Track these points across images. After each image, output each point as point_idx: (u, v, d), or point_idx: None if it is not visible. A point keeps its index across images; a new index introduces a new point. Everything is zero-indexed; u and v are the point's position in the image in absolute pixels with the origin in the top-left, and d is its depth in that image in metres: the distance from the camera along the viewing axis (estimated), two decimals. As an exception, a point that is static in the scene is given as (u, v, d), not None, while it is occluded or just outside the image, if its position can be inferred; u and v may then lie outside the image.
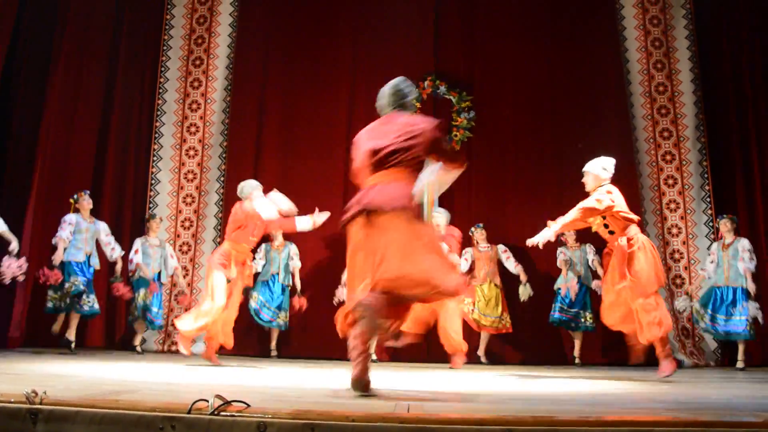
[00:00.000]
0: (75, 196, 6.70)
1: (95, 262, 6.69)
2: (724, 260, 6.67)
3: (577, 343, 7.05)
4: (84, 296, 6.44)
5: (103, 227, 6.79)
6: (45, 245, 6.85)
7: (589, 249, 7.09)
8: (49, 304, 6.43)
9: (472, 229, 7.26)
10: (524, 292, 7.08)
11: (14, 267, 6.15)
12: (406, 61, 8.04)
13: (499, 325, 7.05)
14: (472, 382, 4.52)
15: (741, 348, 6.55)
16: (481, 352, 7.14)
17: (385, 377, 4.81)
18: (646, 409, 2.78)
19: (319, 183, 7.59)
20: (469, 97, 7.91)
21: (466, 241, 7.29)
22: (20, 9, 7.17)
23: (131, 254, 7.02)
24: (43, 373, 3.91)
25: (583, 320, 6.96)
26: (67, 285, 6.39)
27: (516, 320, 7.20)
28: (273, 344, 7.16)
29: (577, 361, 6.99)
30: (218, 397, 2.06)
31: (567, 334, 7.18)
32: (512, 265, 7.20)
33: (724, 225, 6.76)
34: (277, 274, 7.17)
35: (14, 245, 6.20)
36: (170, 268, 7.25)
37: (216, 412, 2.00)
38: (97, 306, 6.61)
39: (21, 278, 6.25)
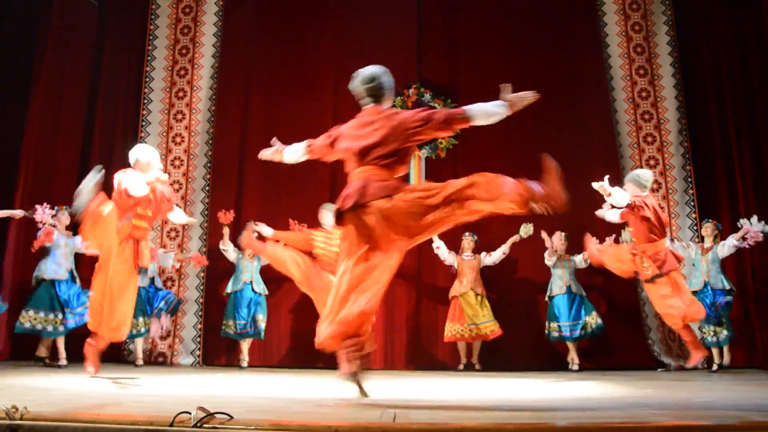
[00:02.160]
0: (56, 209, 6.63)
1: (75, 276, 6.62)
2: (702, 264, 6.74)
3: (574, 349, 7.04)
4: (66, 315, 6.36)
5: (78, 240, 6.70)
6: (30, 257, 6.78)
7: (577, 257, 7.11)
8: (27, 324, 6.28)
9: (466, 234, 7.27)
10: (525, 229, 7.05)
11: (46, 214, 6.32)
12: (390, 69, 8.02)
13: (488, 331, 7.03)
14: (462, 389, 4.52)
15: (716, 351, 6.61)
16: (474, 358, 7.15)
17: (376, 385, 4.80)
18: (631, 413, 2.79)
19: (305, 189, 7.59)
20: (453, 105, 7.93)
21: (456, 248, 7.34)
22: (1, 21, 7.14)
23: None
24: (25, 387, 3.87)
25: (581, 330, 6.94)
26: (51, 317, 6.32)
27: (509, 326, 7.22)
28: (245, 354, 7.10)
29: (575, 367, 6.95)
30: (201, 409, 2.05)
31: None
32: (498, 255, 7.22)
33: (706, 229, 6.84)
34: (250, 282, 7.12)
35: (18, 211, 6.26)
36: (170, 259, 7.18)
37: (199, 425, 1.99)
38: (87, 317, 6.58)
39: (53, 221, 6.42)
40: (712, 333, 6.60)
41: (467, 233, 7.26)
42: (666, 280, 5.68)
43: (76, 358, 6.93)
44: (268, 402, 3.23)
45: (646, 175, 6.00)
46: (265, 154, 4.09)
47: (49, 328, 6.29)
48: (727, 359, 6.63)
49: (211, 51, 8.23)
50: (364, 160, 3.42)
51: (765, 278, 7.15)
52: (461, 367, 7.14)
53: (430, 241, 7.30)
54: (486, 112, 3.62)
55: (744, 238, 6.58)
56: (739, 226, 6.66)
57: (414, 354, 7.45)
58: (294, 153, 3.94)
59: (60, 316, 6.32)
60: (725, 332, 6.56)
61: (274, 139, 4.03)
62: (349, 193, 3.36)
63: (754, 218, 6.57)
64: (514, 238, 7.12)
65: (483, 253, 7.27)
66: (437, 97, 7.96)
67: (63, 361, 6.32)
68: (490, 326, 7.02)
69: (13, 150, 7.25)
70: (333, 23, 8.26)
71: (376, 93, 3.64)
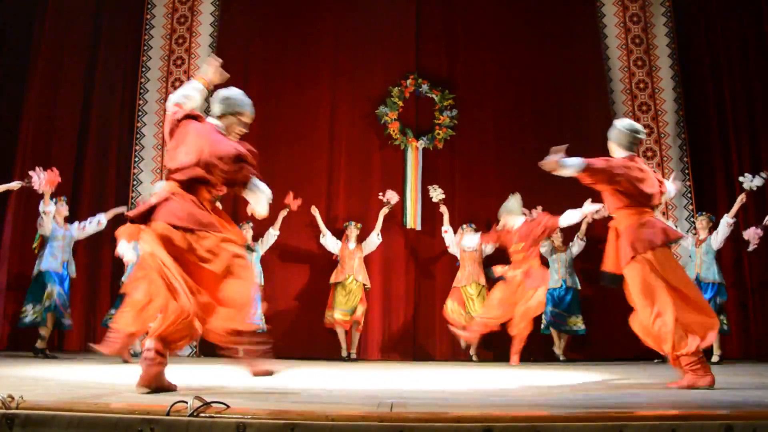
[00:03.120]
0: (54, 200, 6.59)
1: (72, 270, 6.56)
2: (696, 256, 6.78)
3: (563, 341, 7.09)
4: (62, 309, 6.33)
5: (74, 227, 6.65)
6: (25, 250, 6.78)
7: (575, 245, 7.17)
8: (27, 318, 6.28)
9: (463, 226, 7.29)
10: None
11: (42, 178, 6.15)
12: (389, 60, 8.06)
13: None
14: (459, 380, 4.53)
15: (716, 342, 6.63)
16: (472, 350, 7.16)
17: (374, 375, 4.81)
18: (627, 403, 2.80)
19: (303, 181, 7.58)
20: (451, 96, 7.93)
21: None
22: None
23: (119, 248, 6.88)
24: (23, 377, 3.87)
25: (573, 325, 6.99)
26: (44, 295, 6.28)
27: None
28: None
29: (561, 358, 7.01)
30: (197, 398, 2.05)
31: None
32: (475, 240, 7.20)
33: (701, 222, 6.90)
34: None
35: (15, 183, 6.26)
36: None
37: (195, 414, 1.99)
38: (69, 321, 6.53)
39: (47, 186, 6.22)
40: None
41: (464, 224, 7.26)
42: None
43: (72, 350, 7.01)
44: (265, 392, 3.23)
45: None
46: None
47: (38, 319, 6.28)
48: (716, 351, 6.63)
49: (207, 41, 8.19)
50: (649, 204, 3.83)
51: (761, 271, 7.17)
52: (474, 358, 7.13)
53: (438, 226, 7.33)
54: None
55: (739, 229, 6.62)
56: (740, 180, 6.66)
57: (412, 344, 7.47)
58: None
59: (42, 306, 6.27)
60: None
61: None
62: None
63: (748, 176, 6.61)
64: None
65: (483, 243, 7.27)
66: (435, 88, 7.94)
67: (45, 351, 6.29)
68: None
69: (11, 138, 7.24)
70: (331, 13, 8.23)
71: (636, 143, 3.98)
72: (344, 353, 7.14)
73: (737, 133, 7.57)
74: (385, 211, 7.32)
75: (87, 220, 6.72)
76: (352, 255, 7.19)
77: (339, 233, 7.41)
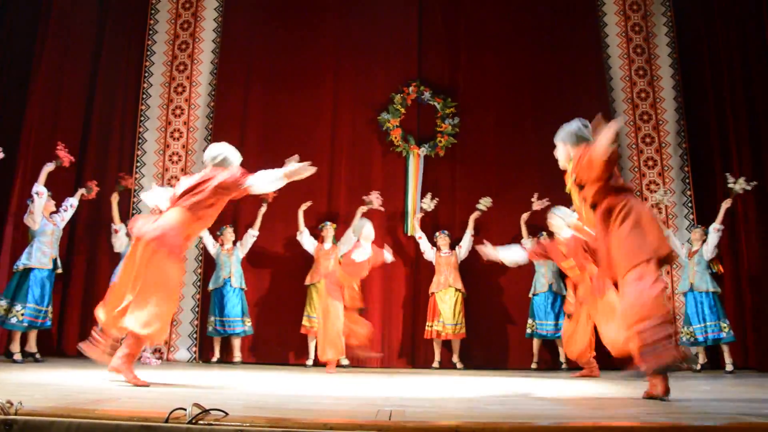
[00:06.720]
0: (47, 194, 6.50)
1: (59, 265, 6.37)
2: (690, 267, 6.84)
3: (561, 348, 7.07)
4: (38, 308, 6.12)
5: (57, 219, 6.44)
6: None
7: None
8: (13, 320, 6.00)
9: (437, 234, 7.33)
10: (484, 202, 7.29)
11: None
12: (391, 67, 8.09)
13: (458, 331, 7.09)
14: (459, 388, 4.52)
15: (726, 351, 6.66)
16: (455, 358, 7.17)
17: (373, 383, 4.81)
18: (625, 413, 2.80)
19: (304, 187, 7.56)
20: (453, 104, 7.95)
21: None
22: (1, 14, 7.13)
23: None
24: (22, 383, 3.86)
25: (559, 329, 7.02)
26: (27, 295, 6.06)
27: (495, 325, 7.31)
28: (237, 351, 7.09)
29: (564, 366, 6.99)
30: (196, 405, 2.05)
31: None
32: (467, 240, 7.31)
33: (695, 233, 7.00)
34: (229, 278, 7.08)
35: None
36: None
37: (194, 421, 1.99)
38: (49, 322, 6.28)
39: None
40: (700, 332, 6.67)
41: (437, 232, 7.36)
42: None
43: (68, 353, 6.99)
44: (263, 399, 3.23)
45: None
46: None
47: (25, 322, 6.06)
48: (728, 360, 6.65)
49: (210, 47, 8.22)
50: None
51: (759, 280, 7.16)
52: (435, 365, 7.17)
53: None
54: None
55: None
56: (726, 180, 6.91)
57: (411, 352, 7.46)
58: None
59: (40, 309, 6.13)
60: (720, 333, 6.61)
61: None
62: None
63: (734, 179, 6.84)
64: (475, 215, 7.29)
65: (457, 247, 7.32)
66: (437, 96, 7.96)
67: (36, 355, 6.21)
68: (453, 328, 7.10)
69: (13, 143, 7.23)
70: (333, 20, 8.26)
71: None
72: (309, 361, 7.09)
73: (739, 142, 7.57)
74: (363, 209, 7.26)
75: (61, 207, 6.53)
76: (327, 255, 7.17)
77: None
